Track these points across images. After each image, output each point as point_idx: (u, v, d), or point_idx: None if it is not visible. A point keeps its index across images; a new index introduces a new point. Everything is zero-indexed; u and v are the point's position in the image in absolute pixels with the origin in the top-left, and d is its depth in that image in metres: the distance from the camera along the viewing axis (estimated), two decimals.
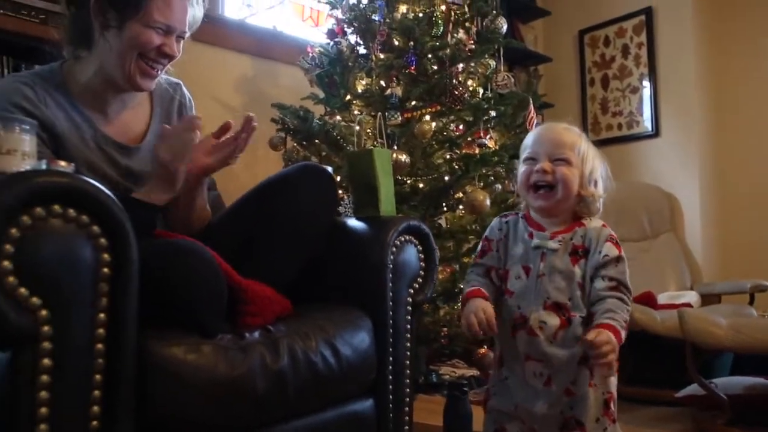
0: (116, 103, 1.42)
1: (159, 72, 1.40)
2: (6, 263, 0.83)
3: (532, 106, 2.40)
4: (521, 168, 1.28)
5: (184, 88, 1.61)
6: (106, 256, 0.93)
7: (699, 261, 3.49)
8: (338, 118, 2.43)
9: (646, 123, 3.80)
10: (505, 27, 2.52)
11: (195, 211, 1.47)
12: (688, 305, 2.90)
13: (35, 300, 0.85)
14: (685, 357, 2.30)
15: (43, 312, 0.86)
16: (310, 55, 2.54)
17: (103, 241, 0.92)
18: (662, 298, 3.08)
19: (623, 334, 1.12)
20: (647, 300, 2.93)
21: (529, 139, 1.29)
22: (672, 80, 3.71)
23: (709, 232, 3.59)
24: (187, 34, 1.43)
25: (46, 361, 0.86)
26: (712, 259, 3.58)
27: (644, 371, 2.88)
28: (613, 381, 1.22)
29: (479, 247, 1.33)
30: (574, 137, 1.25)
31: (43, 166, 0.95)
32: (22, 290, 0.84)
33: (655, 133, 3.75)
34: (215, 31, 2.75)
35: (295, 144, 2.48)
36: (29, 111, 1.26)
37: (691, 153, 3.62)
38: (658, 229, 3.54)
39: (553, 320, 1.17)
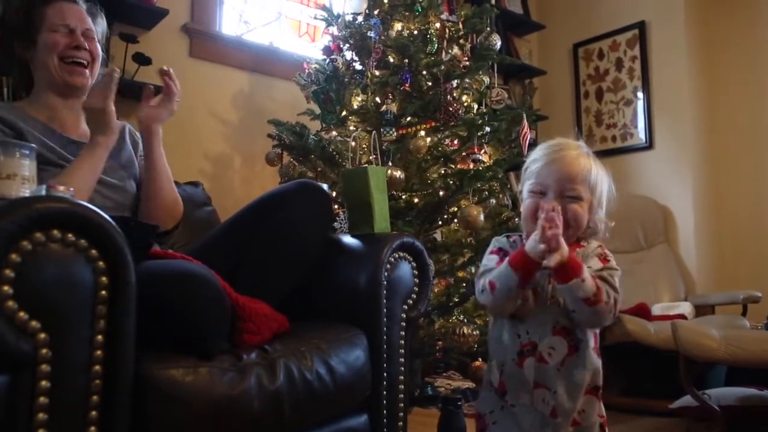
0: (65, 109, 1.55)
1: (85, 68, 1.52)
2: (6, 288, 0.84)
3: (525, 121, 2.43)
4: (526, 197, 1.18)
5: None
6: (104, 278, 0.94)
7: (693, 272, 3.52)
8: (334, 133, 2.45)
9: (640, 135, 3.83)
10: (499, 44, 2.55)
11: (157, 166, 1.56)
12: (682, 316, 2.93)
13: (34, 323, 0.86)
14: (679, 368, 2.32)
15: (42, 335, 0.87)
16: (306, 71, 2.58)
17: (101, 264, 0.94)
18: (656, 309, 3.10)
19: (590, 286, 1.07)
20: (641, 311, 2.96)
21: (536, 165, 1.18)
22: (665, 93, 3.75)
23: (703, 244, 3.62)
24: (98, 35, 1.58)
25: (44, 383, 0.87)
26: (706, 270, 3.60)
27: (639, 382, 2.90)
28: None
29: (491, 257, 1.20)
30: (585, 164, 1.16)
31: (43, 192, 0.97)
32: (22, 314, 0.85)
33: (649, 145, 3.79)
34: (212, 47, 2.78)
35: (291, 159, 2.51)
36: None
37: (685, 165, 3.65)
38: (652, 240, 3.57)
39: (562, 346, 1.13)
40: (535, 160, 1.19)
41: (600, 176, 1.18)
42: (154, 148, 1.58)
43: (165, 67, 1.56)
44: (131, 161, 1.62)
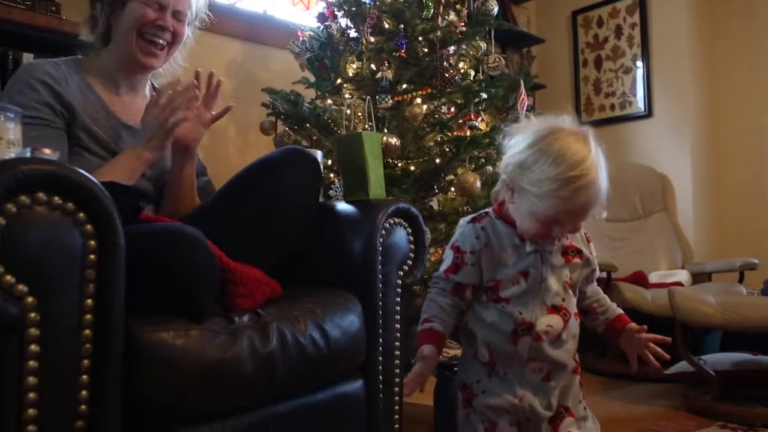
0: (126, 87, 1.55)
1: (161, 50, 1.51)
2: None
3: (523, 88, 2.40)
4: (534, 208, 1.07)
5: None
6: (92, 242, 0.93)
7: (690, 240, 3.53)
8: (329, 102, 2.42)
9: (639, 103, 3.80)
10: (495, 9, 2.51)
11: (184, 183, 1.54)
12: (679, 284, 2.94)
13: (21, 287, 0.85)
14: (675, 335, 2.32)
15: (30, 299, 0.86)
16: (301, 39, 2.53)
17: (89, 227, 0.93)
18: (653, 277, 3.11)
19: None
20: (638, 279, 2.96)
21: (551, 194, 1.04)
22: (665, 61, 3.71)
23: (701, 212, 3.61)
24: (189, 17, 1.57)
25: (34, 347, 0.87)
26: (704, 238, 3.60)
27: None
28: None
29: (449, 257, 1.17)
30: (602, 192, 1.07)
31: (28, 154, 0.95)
32: (8, 278, 0.84)
33: (648, 113, 3.76)
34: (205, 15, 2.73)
35: (286, 128, 2.48)
36: (50, 85, 1.38)
37: (684, 133, 3.63)
38: (650, 209, 3.56)
39: (558, 322, 1.13)
40: (549, 183, 1.04)
41: (604, 177, 1.07)
42: (185, 172, 1.54)
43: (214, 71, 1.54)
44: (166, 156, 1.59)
